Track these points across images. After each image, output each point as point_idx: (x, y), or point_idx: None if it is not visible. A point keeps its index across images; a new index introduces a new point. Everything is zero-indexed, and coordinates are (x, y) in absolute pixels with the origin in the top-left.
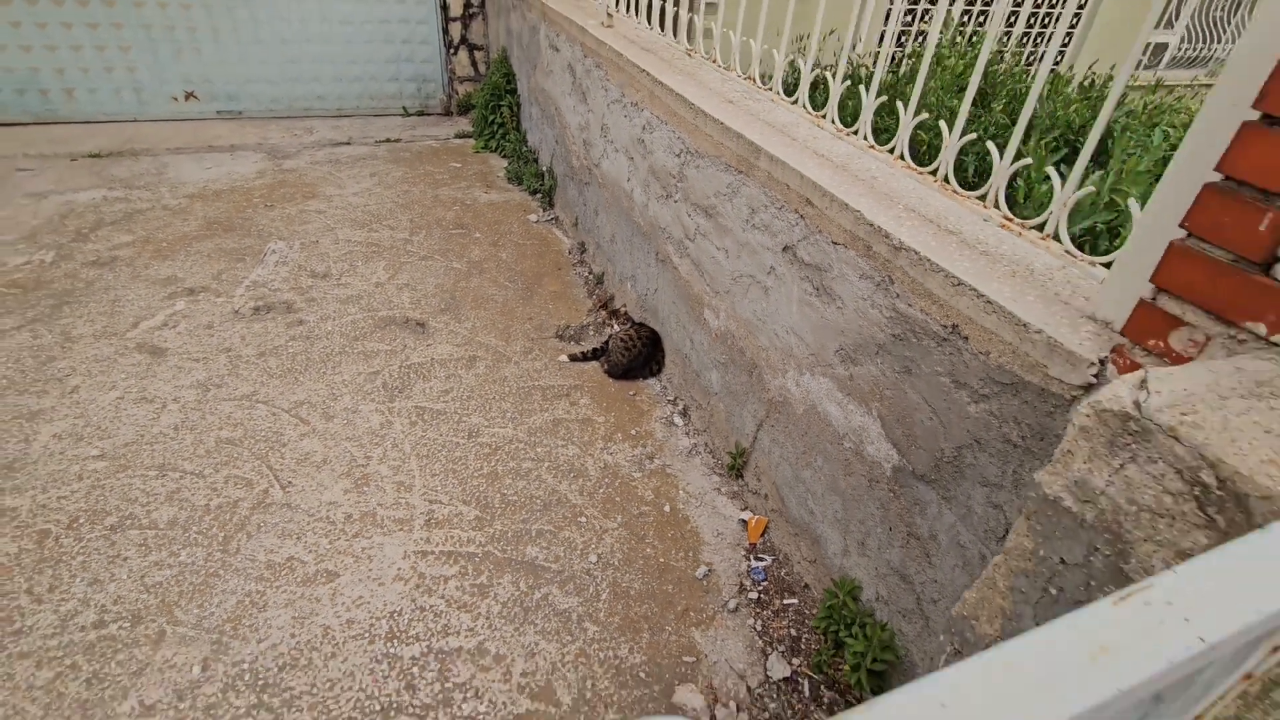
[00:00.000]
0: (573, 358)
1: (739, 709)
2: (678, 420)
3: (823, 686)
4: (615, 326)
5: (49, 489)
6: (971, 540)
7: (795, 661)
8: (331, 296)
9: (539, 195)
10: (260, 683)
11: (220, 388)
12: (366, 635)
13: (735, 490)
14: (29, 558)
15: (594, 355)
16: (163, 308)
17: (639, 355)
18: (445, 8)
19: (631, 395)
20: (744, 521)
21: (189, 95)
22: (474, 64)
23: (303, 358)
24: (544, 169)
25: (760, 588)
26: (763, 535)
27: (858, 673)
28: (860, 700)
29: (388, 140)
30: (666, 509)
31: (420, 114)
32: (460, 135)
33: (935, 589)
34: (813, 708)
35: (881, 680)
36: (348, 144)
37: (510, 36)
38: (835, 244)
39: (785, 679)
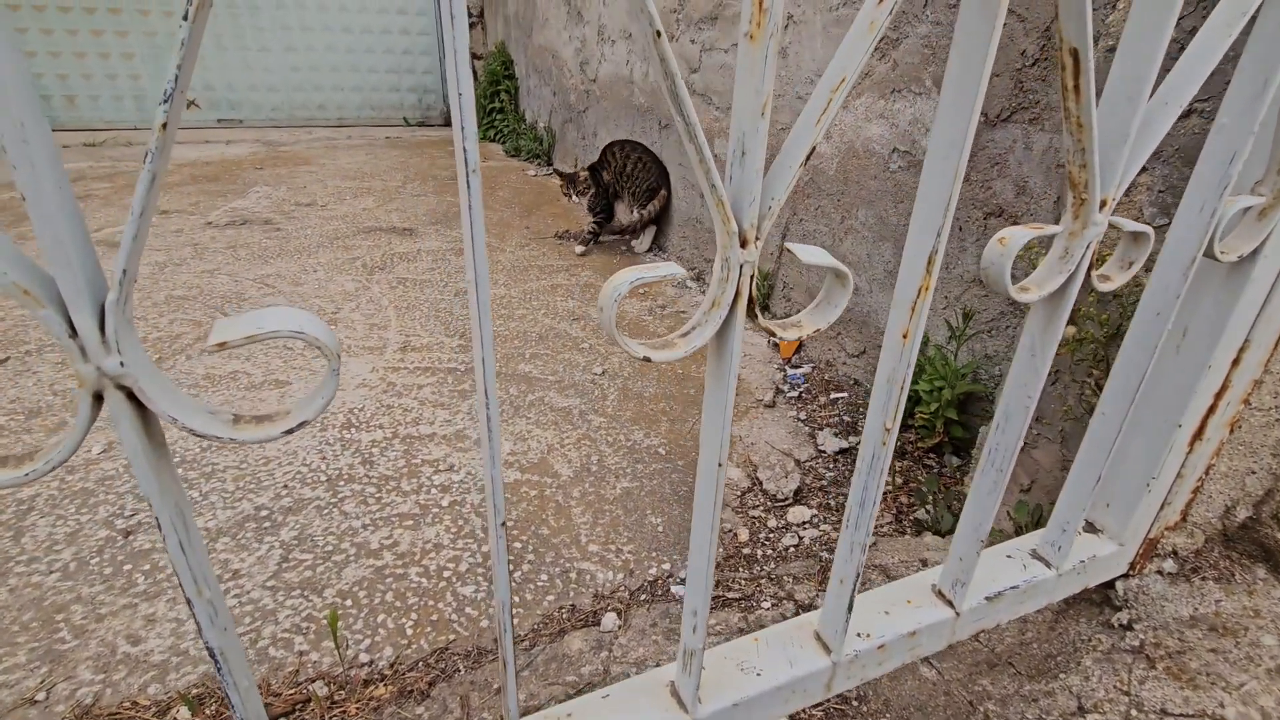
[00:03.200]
0: (585, 242)
1: (786, 474)
2: (691, 284)
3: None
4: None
5: None
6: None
7: (853, 439)
8: (315, 216)
9: (538, 159)
10: (176, 459)
11: (180, 266)
12: (317, 424)
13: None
14: None
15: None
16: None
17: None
18: None
19: None
20: (775, 344)
21: (191, 103)
22: (474, 73)
23: (275, 249)
24: (542, 130)
25: (800, 389)
26: (797, 352)
27: (937, 417)
28: (938, 460)
29: (386, 138)
30: None
31: (421, 124)
32: None
33: (1021, 266)
34: None
35: (965, 422)
36: (346, 139)
37: (508, 25)
38: None
39: (842, 450)
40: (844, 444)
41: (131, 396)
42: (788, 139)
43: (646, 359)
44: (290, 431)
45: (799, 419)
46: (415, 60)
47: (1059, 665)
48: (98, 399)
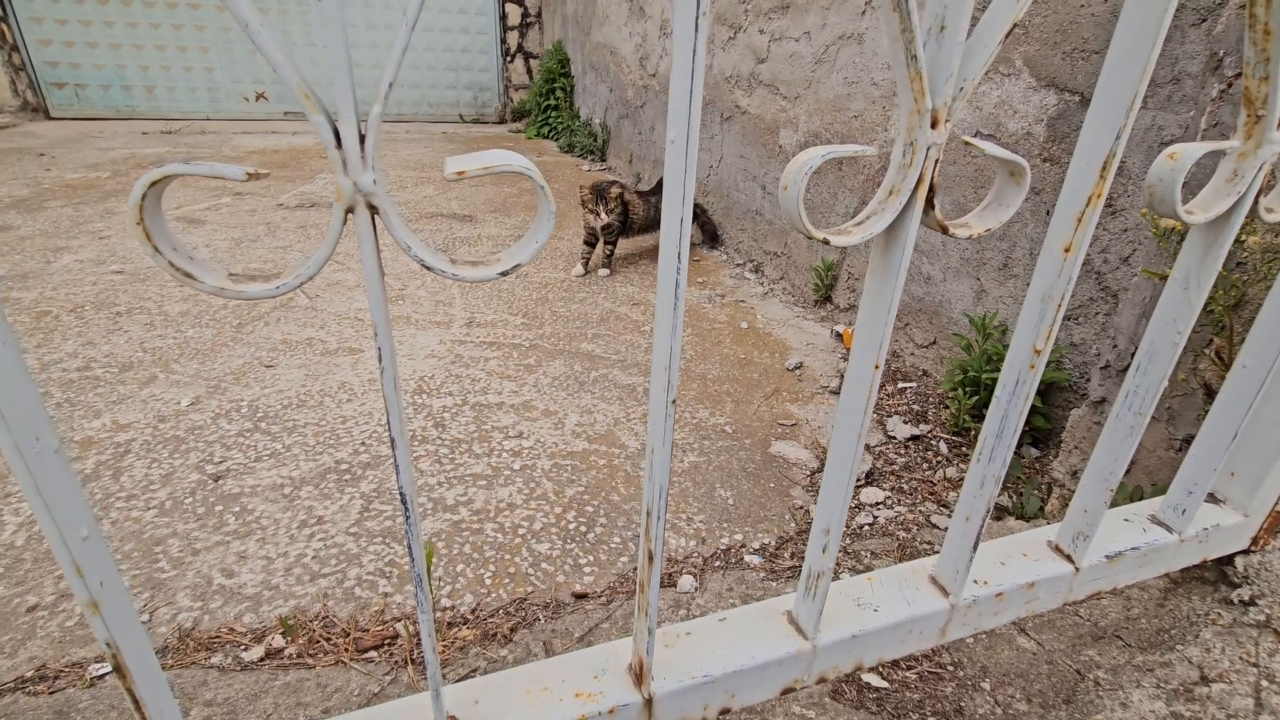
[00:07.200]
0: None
1: None
2: (749, 275)
3: (964, 447)
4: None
5: (59, 289)
6: (1177, 133)
7: (923, 427)
8: None
9: (592, 155)
10: (259, 414)
11: (255, 242)
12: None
13: (822, 315)
14: (21, 328)
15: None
16: (207, 201)
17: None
18: (504, 17)
19: (696, 261)
20: (839, 334)
21: (259, 96)
22: (529, 72)
23: None
24: (597, 127)
25: None
26: None
27: None
28: (1016, 452)
29: (443, 133)
30: (744, 325)
31: (476, 121)
32: (514, 131)
33: (1118, 249)
34: (954, 460)
35: (1047, 412)
36: (405, 133)
37: (566, 24)
38: None
39: (913, 438)
40: (914, 431)
41: (373, 220)
42: (986, 13)
43: (825, 241)
44: (505, 274)
45: None
46: (473, 59)
47: (1174, 638)
48: (348, 215)
